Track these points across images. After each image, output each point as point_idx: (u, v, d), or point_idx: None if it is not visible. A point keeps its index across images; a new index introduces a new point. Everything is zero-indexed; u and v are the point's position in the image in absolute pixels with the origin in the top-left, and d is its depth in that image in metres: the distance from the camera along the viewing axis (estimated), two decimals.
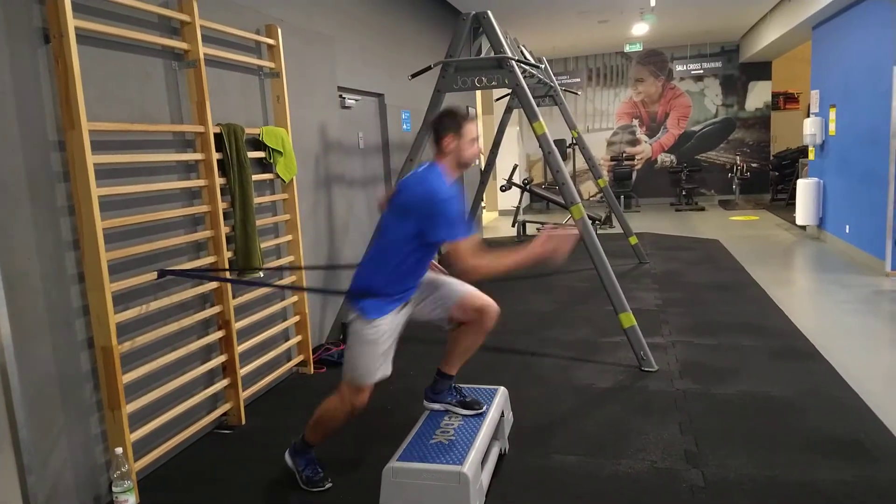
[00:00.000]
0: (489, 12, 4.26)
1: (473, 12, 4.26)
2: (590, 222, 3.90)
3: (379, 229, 2.62)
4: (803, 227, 8.29)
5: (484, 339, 2.68)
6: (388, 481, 2.25)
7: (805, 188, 7.85)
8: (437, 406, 2.75)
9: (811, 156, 8.20)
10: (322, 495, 2.59)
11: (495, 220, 11.84)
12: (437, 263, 2.78)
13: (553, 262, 2.43)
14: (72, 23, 2.32)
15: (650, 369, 3.74)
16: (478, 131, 2.52)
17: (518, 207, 9.47)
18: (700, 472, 2.62)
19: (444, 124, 2.50)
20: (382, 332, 2.44)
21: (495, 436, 2.70)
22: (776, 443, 2.83)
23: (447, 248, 2.38)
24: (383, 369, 2.48)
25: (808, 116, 8.07)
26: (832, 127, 7.36)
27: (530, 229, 9.76)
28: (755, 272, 6.16)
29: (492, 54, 4.27)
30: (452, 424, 2.55)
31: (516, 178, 9.75)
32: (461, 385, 2.83)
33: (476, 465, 2.27)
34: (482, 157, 9.25)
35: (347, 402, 2.49)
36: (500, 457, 2.77)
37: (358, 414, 2.52)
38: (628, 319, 3.82)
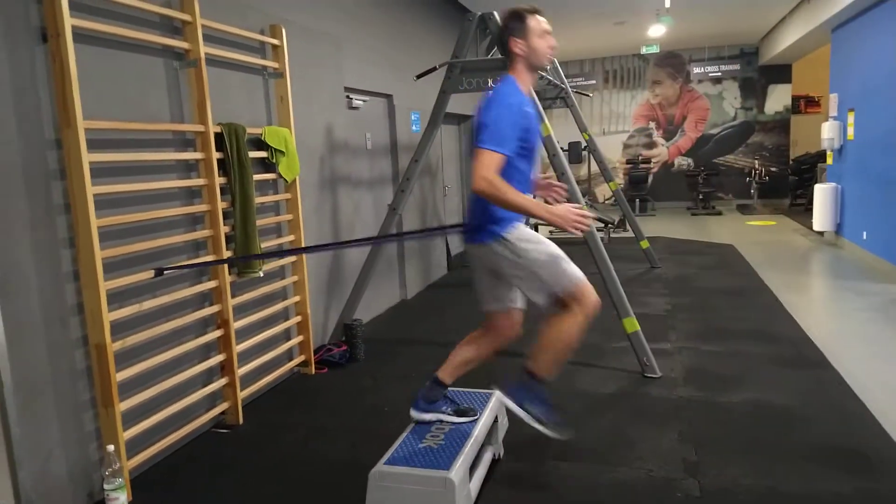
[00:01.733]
0: (495, 13, 4.22)
1: (479, 13, 4.23)
2: (596, 225, 3.84)
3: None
4: (821, 233, 8.14)
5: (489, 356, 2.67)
6: (374, 485, 2.23)
7: (822, 193, 7.71)
8: (427, 416, 2.61)
9: (829, 160, 8.05)
10: (313, 496, 2.58)
11: None
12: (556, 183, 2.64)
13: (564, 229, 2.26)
14: (69, 22, 2.33)
15: (653, 375, 3.68)
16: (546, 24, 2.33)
17: None
18: (697, 481, 2.56)
19: (505, 29, 2.27)
20: (531, 233, 2.32)
21: (488, 440, 2.67)
22: (777, 453, 2.77)
23: (474, 156, 2.14)
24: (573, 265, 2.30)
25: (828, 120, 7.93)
26: (850, 131, 7.21)
27: (542, 231, 9.71)
28: (768, 278, 6.05)
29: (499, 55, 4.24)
30: (443, 429, 2.53)
31: None
32: (458, 388, 2.78)
33: (463, 471, 2.24)
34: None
35: (582, 308, 2.31)
36: (494, 462, 2.73)
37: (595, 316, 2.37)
38: (632, 325, 3.77)
